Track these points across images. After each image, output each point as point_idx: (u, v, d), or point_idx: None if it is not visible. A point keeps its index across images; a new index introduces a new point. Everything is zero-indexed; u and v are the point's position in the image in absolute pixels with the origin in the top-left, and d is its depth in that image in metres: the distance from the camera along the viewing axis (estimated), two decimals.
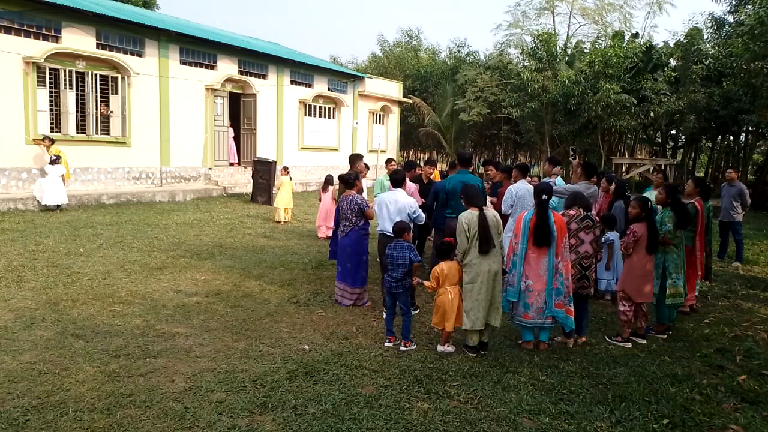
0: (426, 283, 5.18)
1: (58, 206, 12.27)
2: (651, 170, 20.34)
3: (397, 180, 6.37)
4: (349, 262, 6.44)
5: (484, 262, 4.97)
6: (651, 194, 7.29)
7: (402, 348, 5.10)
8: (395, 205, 6.15)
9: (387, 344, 5.20)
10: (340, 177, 6.78)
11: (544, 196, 5.10)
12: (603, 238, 5.97)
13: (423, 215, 6.36)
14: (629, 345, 5.49)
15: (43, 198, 12.12)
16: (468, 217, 5.02)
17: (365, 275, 6.57)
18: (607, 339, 5.64)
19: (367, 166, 8.11)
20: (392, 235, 6.13)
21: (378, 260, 6.49)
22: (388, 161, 9.28)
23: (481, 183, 7.08)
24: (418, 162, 15.03)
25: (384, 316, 6.04)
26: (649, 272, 5.55)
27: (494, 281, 5.03)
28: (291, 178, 12.89)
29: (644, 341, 5.59)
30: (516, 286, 5.17)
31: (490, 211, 5.15)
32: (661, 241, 5.55)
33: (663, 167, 19.70)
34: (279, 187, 12.58)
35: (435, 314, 5.15)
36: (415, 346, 5.16)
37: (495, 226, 5.04)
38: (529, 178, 7.59)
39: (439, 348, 5.13)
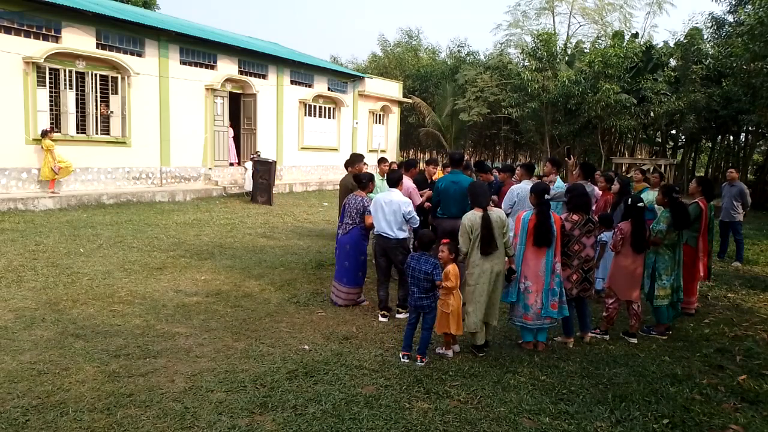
0: (446, 282, 4.83)
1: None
2: (651, 170, 20.33)
3: (392, 180, 6.22)
4: (347, 260, 6.40)
5: (486, 263, 4.96)
6: (648, 194, 7.29)
7: (418, 363, 4.78)
8: (390, 206, 6.06)
9: (404, 360, 4.82)
10: (355, 177, 6.69)
11: (546, 196, 5.08)
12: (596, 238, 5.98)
13: (417, 217, 6.25)
14: (607, 336, 5.60)
15: (245, 186, 16.44)
16: (471, 218, 4.98)
17: (362, 276, 6.51)
18: (590, 332, 5.62)
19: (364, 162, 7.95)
20: (387, 236, 6.07)
21: (374, 261, 6.42)
22: (380, 161, 8.75)
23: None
24: (418, 161, 14.96)
25: (380, 318, 6.05)
26: (637, 273, 5.56)
27: (495, 281, 5.02)
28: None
29: (635, 340, 5.60)
30: (515, 287, 5.16)
31: (495, 213, 5.05)
32: (651, 240, 5.55)
33: (663, 167, 19.69)
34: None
35: (451, 321, 4.84)
36: (427, 359, 4.88)
37: (499, 227, 4.99)
38: (533, 179, 7.45)
39: (438, 350, 5.07)
